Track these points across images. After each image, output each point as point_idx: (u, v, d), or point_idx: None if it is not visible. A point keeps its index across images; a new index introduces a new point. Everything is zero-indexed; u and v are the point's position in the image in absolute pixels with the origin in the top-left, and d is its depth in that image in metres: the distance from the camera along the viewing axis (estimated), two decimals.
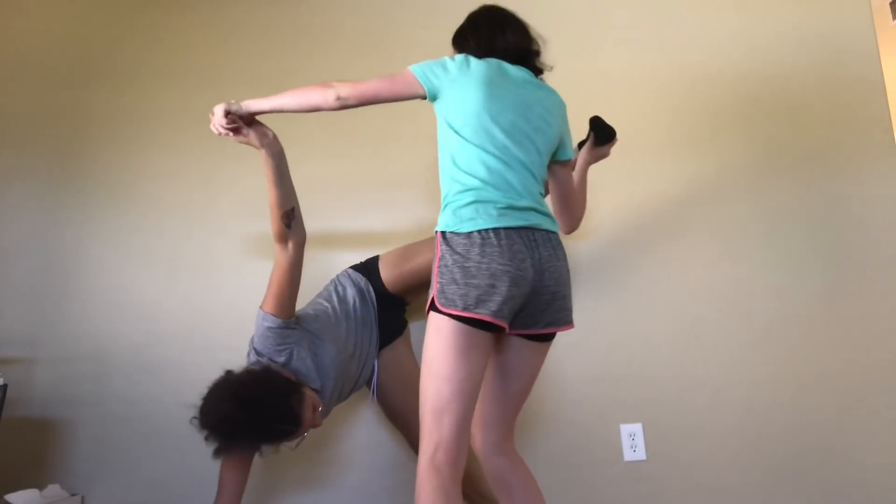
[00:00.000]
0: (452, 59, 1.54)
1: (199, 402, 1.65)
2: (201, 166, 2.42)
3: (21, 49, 2.54)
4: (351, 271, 2.02)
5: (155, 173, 2.42)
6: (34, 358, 2.27)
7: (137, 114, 2.47)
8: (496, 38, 1.61)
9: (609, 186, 2.32)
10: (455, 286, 1.36)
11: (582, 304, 2.27)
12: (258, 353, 1.77)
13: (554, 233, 1.51)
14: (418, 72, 1.53)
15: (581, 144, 1.94)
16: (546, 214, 1.51)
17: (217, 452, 1.64)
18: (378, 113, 2.44)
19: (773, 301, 2.23)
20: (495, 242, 1.38)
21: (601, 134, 1.88)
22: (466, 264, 1.36)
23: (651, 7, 2.50)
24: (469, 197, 1.43)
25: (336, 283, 2.00)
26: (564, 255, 1.52)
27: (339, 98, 1.55)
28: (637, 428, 2.17)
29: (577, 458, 2.16)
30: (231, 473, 1.81)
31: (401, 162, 2.40)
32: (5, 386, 1.98)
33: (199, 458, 2.14)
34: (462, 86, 1.50)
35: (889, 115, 2.33)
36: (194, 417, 1.63)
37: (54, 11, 2.58)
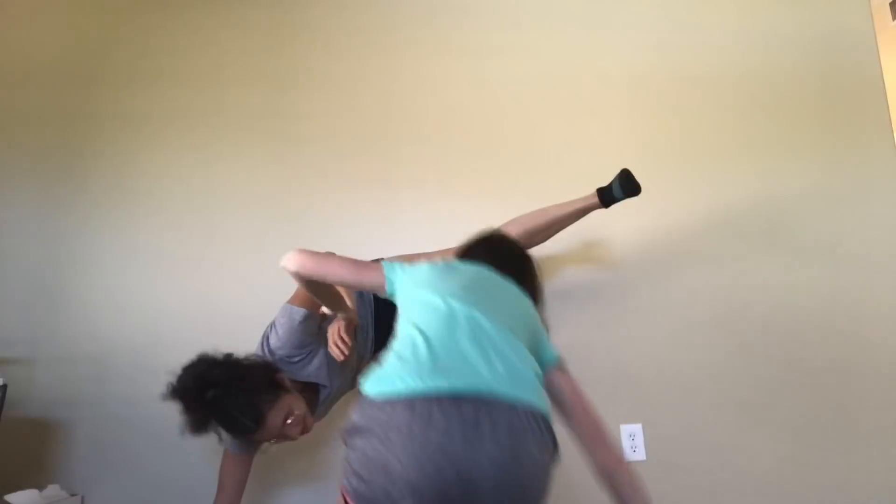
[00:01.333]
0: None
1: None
2: (202, 166, 2.42)
3: (21, 50, 2.54)
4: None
5: (155, 173, 2.42)
6: (34, 358, 2.27)
7: (137, 114, 2.47)
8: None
9: None
10: (356, 480, 0.99)
11: (582, 305, 2.27)
12: (271, 351, 1.76)
13: (530, 410, 1.00)
14: (386, 266, 1.35)
15: (601, 192, 1.98)
16: (519, 379, 1.03)
17: (185, 426, 1.64)
18: (381, 113, 2.45)
19: (773, 301, 2.23)
20: (407, 420, 0.94)
21: (626, 185, 1.93)
22: (368, 451, 0.97)
23: (651, 7, 2.50)
24: (396, 347, 1.10)
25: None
26: (546, 443, 1.02)
27: (291, 272, 1.40)
28: (637, 428, 2.17)
29: (577, 458, 2.15)
30: (231, 470, 1.81)
31: (403, 162, 2.40)
32: (5, 386, 1.98)
33: (200, 459, 2.14)
34: (415, 268, 1.33)
35: (889, 115, 2.33)
36: (169, 383, 1.64)
37: (55, 12, 2.58)
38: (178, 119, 2.46)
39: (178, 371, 1.67)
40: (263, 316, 2.30)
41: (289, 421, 1.67)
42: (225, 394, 1.60)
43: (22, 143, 2.45)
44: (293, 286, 2.30)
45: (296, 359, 1.76)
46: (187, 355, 2.25)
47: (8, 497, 1.88)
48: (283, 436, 1.70)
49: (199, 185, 2.40)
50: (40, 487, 2.03)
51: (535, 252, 2.23)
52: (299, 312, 1.73)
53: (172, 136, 2.44)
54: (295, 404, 1.69)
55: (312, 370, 1.78)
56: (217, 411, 1.61)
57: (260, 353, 1.79)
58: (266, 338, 1.80)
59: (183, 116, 2.46)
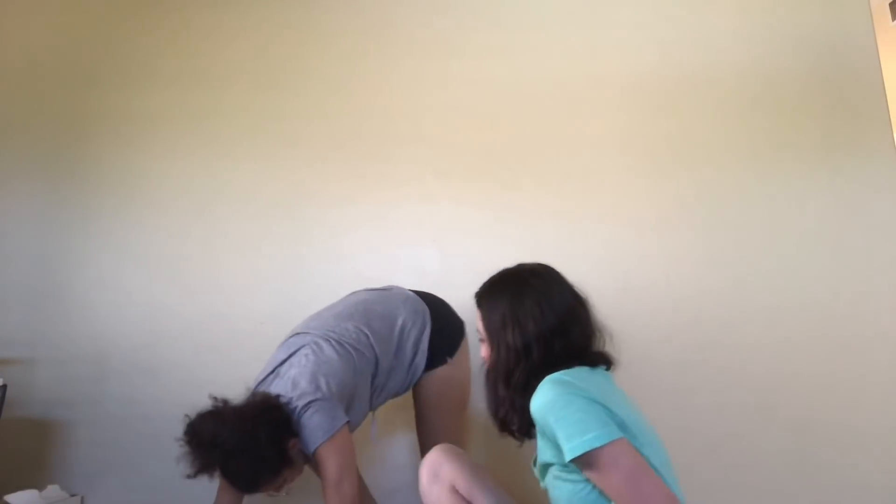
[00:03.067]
0: None
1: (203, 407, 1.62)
2: (202, 166, 2.42)
3: (22, 49, 2.53)
4: (428, 320, 1.84)
5: (155, 173, 2.42)
6: (34, 358, 2.27)
7: (138, 114, 2.47)
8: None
9: (607, 186, 2.33)
10: None
11: None
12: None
13: None
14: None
15: None
16: None
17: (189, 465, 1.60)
18: (381, 113, 2.45)
19: (773, 301, 2.23)
20: None
21: None
22: None
23: (651, 7, 2.49)
24: None
25: (409, 328, 1.82)
26: None
27: None
28: None
29: None
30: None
31: (403, 162, 2.40)
32: (5, 386, 1.97)
33: None
34: None
35: (889, 115, 2.33)
36: (187, 416, 1.61)
37: (55, 11, 2.58)
38: (178, 119, 2.46)
39: (194, 416, 1.61)
40: (263, 316, 2.30)
41: (281, 492, 1.64)
42: (227, 457, 1.55)
43: (22, 143, 2.45)
44: (292, 287, 2.31)
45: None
46: (187, 355, 2.26)
47: (8, 497, 1.88)
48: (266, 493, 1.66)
49: (198, 185, 2.40)
50: (40, 487, 2.03)
51: (531, 247, 2.26)
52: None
53: (172, 136, 2.44)
54: (291, 477, 1.63)
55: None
56: (216, 465, 1.58)
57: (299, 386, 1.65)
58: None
59: (183, 116, 2.46)
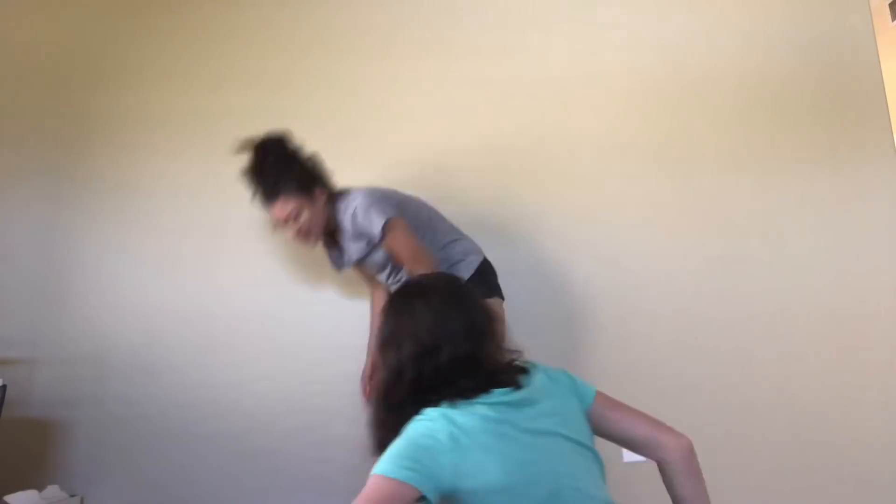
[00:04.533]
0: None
1: None
2: (202, 166, 2.41)
3: (22, 49, 2.53)
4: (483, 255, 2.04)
5: (155, 173, 2.42)
6: (34, 359, 2.27)
7: (138, 114, 2.47)
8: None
9: (608, 187, 2.33)
10: None
11: (582, 305, 2.27)
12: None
13: None
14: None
15: None
16: None
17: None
18: (380, 113, 2.45)
19: (773, 301, 2.23)
20: None
21: None
22: None
23: (651, 7, 2.49)
24: None
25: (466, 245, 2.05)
26: None
27: None
28: None
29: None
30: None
31: (403, 163, 2.40)
32: (5, 386, 1.97)
33: (199, 459, 2.14)
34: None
35: (889, 115, 2.34)
36: None
37: (55, 11, 2.58)
38: (178, 119, 2.46)
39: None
40: (263, 316, 2.30)
41: (289, 221, 1.87)
42: (264, 162, 1.88)
43: (22, 143, 2.45)
44: (292, 287, 2.31)
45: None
46: (187, 355, 2.26)
47: (7, 498, 1.88)
48: (283, 229, 1.91)
49: (198, 185, 2.40)
50: (40, 488, 2.03)
51: (532, 247, 2.27)
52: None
53: (172, 136, 2.44)
54: (306, 213, 1.86)
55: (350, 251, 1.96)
56: (257, 169, 1.89)
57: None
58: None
59: (182, 116, 2.46)
